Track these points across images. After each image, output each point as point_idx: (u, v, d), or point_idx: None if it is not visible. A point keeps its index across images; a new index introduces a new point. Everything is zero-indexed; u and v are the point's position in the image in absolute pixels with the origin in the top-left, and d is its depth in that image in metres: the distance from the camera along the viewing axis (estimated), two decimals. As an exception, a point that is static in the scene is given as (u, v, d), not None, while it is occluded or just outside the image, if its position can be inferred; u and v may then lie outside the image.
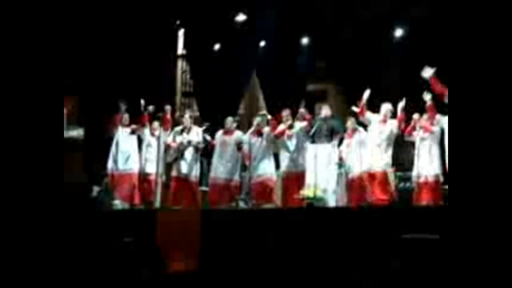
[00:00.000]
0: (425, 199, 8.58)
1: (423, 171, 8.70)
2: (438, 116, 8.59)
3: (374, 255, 6.53)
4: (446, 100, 8.08)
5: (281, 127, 9.41)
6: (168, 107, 10.03)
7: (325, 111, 9.19)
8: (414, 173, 8.84)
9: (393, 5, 10.64)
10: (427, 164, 8.67)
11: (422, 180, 8.71)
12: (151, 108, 9.89)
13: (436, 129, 8.66)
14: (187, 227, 7.46)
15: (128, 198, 9.74)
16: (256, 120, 9.76)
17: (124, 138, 10.00)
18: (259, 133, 9.61)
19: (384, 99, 9.14)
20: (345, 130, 9.26)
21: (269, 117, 9.78)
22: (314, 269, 6.64)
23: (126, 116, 10.03)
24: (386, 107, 8.96)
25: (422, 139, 8.79)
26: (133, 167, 9.93)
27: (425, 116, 8.73)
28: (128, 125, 10.04)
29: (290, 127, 9.42)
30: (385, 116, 8.89)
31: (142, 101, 9.90)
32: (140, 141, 10.10)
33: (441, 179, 8.63)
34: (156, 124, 9.89)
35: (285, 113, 9.50)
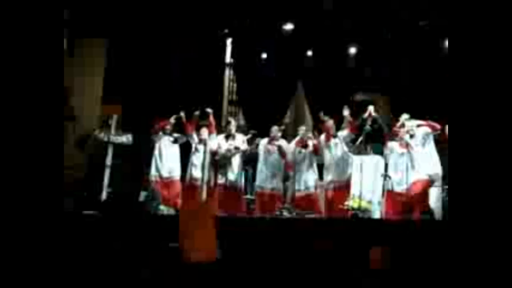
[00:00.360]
0: None
1: None
2: None
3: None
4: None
5: (310, 143, 9.55)
6: (209, 110, 10.11)
7: (370, 122, 9.15)
8: None
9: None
10: None
11: None
12: (196, 113, 10.00)
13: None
14: (205, 220, 7.47)
15: (173, 203, 9.84)
16: (301, 131, 9.80)
17: (166, 145, 10.11)
18: (303, 144, 9.64)
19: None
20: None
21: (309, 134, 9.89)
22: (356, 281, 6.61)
23: (172, 122, 10.15)
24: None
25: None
26: (175, 174, 10.03)
27: None
28: (171, 133, 10.16)
29: (334, 136, 9.43)
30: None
31: (182, 114, 10.02)
32: (187, 147, 10.18)
33: None
34: (204, 130, 9.98)
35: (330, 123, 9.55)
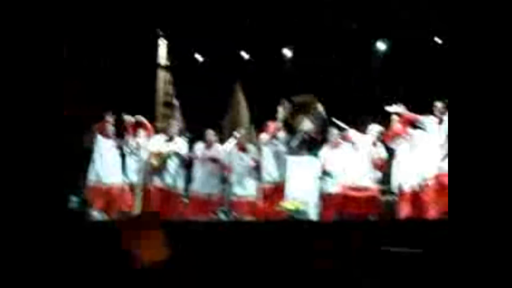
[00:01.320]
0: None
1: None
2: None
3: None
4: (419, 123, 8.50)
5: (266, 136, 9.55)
6: (139, 116, 9.93)
7: (307, 124, 9.20)
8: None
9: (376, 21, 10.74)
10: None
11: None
12: (132, 119, 9.79)
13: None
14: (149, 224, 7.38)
15: (106, 209, 9.59)
16: (239, 134, 9.76)
17: (107, 150, 9.81)
18: (242, 148, 9.62)
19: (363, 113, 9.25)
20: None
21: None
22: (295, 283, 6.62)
23: (110, 127, 9.86)
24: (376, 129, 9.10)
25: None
26: (115, 180, 9.72)
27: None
28: (110, 137, 9.88)
29: (274, 136, 9.45)
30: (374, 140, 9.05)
31: (125, 115, 9.79)
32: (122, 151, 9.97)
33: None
34: (142, 133, 9.81)
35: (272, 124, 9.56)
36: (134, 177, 9.66)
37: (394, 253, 6.35)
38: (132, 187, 9.65)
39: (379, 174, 9.04)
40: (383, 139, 8.97)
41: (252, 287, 6.68)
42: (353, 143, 9.01)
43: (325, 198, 9.03)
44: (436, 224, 7.46)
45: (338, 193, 8.88)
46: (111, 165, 9.68)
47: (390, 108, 8.62)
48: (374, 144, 8.97)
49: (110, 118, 9.77)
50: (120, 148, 9.86)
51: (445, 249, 6.34)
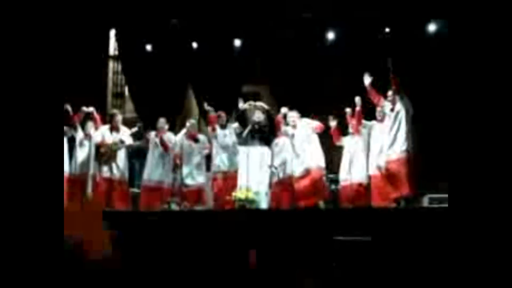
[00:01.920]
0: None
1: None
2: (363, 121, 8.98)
3: (308, 257, 6.63)
4: (380, 106, 8.59)
5: (200, 137, 9.75)
6: (91, 108, 9.86)
7: (257, 114, 9.27)
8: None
9: (333, 7, 10.81)
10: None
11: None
12: (85, 108, 9.70)
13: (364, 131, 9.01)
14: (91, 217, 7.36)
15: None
16: (188, 123, 9.80)
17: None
18: (193, 138, 9.66)
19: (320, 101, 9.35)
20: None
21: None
22: (242, 269, 6.70)
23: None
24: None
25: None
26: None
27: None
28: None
29: (223, 126, 9.53)
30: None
31: (68, 107, 9.65)
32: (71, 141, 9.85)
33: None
34: (90, 124, 9.72)
35: (222, 114, 9.61)
36: (84, 168, 9.58)
37: (345, 241, 6.48)
38: (82, 177, 9.56)
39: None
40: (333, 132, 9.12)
41: (205, 276, 6.74)
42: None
43: (277, 187, 9.15)
44: (384, 212, 7.64)
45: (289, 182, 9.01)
46: None
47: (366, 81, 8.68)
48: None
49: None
50: (69, 139, 9.77)
51: (393, 236, 6.56)
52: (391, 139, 8.34)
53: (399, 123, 8.32)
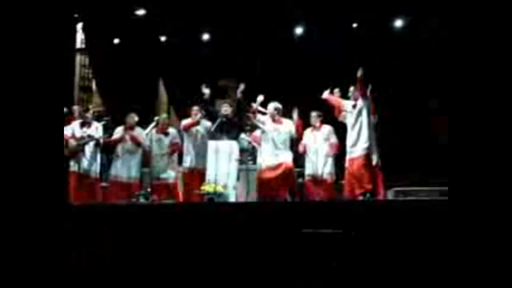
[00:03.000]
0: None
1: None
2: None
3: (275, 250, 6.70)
4: (338, 114, 8.66)
5: (189, 120, 9.57)
6: (76, 107, 9.86)
7: (225, 107, 9.30)
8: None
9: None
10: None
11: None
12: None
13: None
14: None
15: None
16: (160, 118, 9.82)
17: None
18: (164, 131, 9.67)
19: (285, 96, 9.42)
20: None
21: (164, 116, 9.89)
22: (212, 264, 6.74)
23: None
24: (273, 106, 9.17)
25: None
26: None
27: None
28: None
29: (198, 123, 9.53)
30: (273, 116, 9.09)
31: None
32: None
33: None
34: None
35: (195, 108, 9.61)
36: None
37: (315, 234, 6.56)
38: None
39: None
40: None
41: (173, 270, 6.77)
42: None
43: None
44: (352, 205, 7.74)
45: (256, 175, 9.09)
46: None
47: (324, 94, 8.73)
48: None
49: None
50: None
51: (362, 229, 6.66)
52: (353, 137, 8.43)
53: (361, 121, 8.38)
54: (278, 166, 8.83)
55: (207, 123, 9.52)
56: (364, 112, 8.34)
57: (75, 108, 10.10)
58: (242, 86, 9.15)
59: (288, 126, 9.05)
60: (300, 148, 9.25)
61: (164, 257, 6.92)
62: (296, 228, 6.65)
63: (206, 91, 9.30)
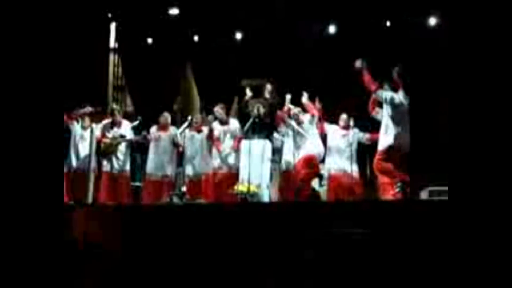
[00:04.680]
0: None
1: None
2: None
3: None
4: (373, 91, 8.37)
5: (205, 129, 9.73)
6: (115, 107, 9.95)
7: (259, 107, 9.26)
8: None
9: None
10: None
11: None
12: (83, 110, 9.73)
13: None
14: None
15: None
16: (195, 118, 9.85)
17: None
18: (198, 130, 9.68)
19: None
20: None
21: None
22: (247, 263, 6.72)
23: None
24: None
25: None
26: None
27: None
28: None
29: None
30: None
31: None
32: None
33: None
34: (87, 118, 9.75)
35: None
36: (84, 164, 9.61)
37: (346, 234, 6.51)
38: (84, 173, 9.59)
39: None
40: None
41: (208, 271, 6.77)
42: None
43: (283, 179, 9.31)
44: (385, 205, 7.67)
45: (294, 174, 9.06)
46: None
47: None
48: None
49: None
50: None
51: (394, 229, 6.60)
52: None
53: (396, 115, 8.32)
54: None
55: (236, 124, 9.50)
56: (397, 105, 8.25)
57: (116, 107, 10.13)
58: (271, 87, 9.17)
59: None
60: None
61: (198, 257, 6.92)
62: (329, 228, 6.63)
63: (249, 93, 9.30)
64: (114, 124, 9.73)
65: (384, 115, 8.29)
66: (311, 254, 6.46)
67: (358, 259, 6.33)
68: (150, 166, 9.69)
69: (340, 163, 9.26)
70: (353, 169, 9.06)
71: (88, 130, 9.68)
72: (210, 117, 9.80)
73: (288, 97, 9.36)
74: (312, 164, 8.99)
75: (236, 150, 9.41)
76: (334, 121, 9.43)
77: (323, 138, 9.36)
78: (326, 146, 9.33)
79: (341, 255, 6.41)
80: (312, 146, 9.06)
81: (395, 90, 8.25)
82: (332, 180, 9.28)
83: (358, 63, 8.27)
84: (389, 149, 8.11)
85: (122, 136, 9.57)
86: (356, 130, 9.26)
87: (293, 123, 9.14)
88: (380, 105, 8.49)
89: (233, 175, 9.23)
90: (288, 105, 9.34)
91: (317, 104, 9.27)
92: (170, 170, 9.69)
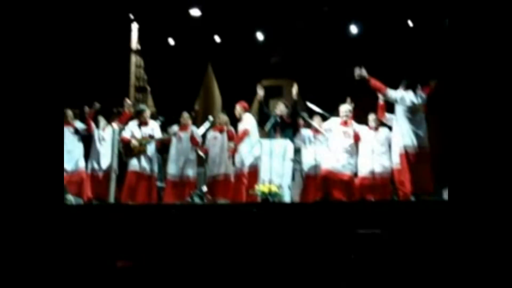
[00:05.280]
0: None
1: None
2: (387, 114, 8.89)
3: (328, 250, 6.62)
4: (383, 93, 8.47)
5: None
6: (129, 102, 9.98)
7: (281, 107, 9.23)
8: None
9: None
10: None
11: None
12: (97, 105, 9.76)
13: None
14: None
15: (80, 193, 9.57)
16: (217, 117, 9.84)
17: (69, 137, 9.71)
18: (220, 130, 9.67)
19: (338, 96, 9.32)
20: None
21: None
22: (267, 264, 6.69)
23: (70, 114, 9.88)
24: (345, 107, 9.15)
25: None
26: (80, 166, 9.75)
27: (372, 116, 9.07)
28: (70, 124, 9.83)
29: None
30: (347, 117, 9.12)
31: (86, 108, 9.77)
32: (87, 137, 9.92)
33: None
34: (102, 120, 9.80)
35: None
36: (106, 164, 9.65)
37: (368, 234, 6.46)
38: (105, 173, 9.65)
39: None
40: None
41: (228, 270, 6.75)
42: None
43: (306, 180, 9.26)
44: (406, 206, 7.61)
45: (321, 175, 9.01)
46: (73, 153, 9.71)
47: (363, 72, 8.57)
48: (346, 123, 9.11)
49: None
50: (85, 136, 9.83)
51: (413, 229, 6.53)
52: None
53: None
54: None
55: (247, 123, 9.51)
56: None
57: (143, 107, 10.15)
58: (296, 87, 9.13)
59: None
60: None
61: (219, 257, 6.91)
62: (352, 228, 6.58)
63: (261, 92, 9.26)
64: (142, 124, 9.71)
65: (398, 115, 8.34)
66: (352, 255, 6.40)
67: (382, 259, 6.27)
68: (171, 166, 9.70)
69: (371, 163, 9.12)
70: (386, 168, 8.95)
71: (107, 131, 9.73)
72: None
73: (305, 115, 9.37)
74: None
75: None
76: (363, 121, 9.31)
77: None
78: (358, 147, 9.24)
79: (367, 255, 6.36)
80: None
81: (412, 89, 8.26)
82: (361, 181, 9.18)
83: (358, 72, 8.28)
84: (410, 150, 8.09)
85: (151, 136, 9.56)
86: (386, 129, 9.14)
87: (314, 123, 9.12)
88: (388, 110, 8.66)
89: (254, 176, 9.18)
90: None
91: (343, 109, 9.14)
92: (191, 170, 9.66)
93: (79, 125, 9.84)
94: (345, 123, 9.10)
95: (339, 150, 8.99)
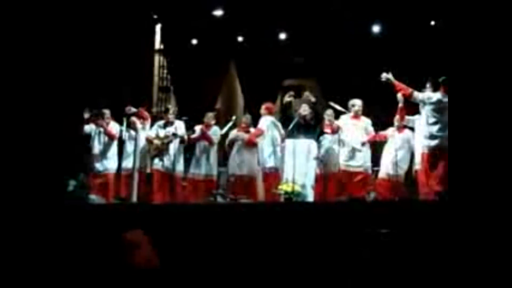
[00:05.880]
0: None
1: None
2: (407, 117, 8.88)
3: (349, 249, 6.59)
4: (408, 96, 8.37)
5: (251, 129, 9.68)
6: (170, 106, 10.07)
7: (304, 108, 9.21)
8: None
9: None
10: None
11: None
12: (133, 109, 9.85)
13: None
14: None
15: (105, 194, 9.64)
16: (241, 117, 9.86)
17: (98, 137, 9.85)
18: (245, 130, 9.68)
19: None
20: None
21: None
22: (292, 264, 6.68)
23: (107, 114, 9.94)
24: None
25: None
26: (109, 167, 9.83)
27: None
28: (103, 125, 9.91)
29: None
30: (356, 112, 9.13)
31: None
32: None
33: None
34: (134, 119, 9.86)
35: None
36: (129, 163, 9.72)
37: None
38: (128, 172, 9.72)
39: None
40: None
41: (251, 269, 6.75)
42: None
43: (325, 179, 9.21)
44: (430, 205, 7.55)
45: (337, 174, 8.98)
46: (103, 152, 9.77)
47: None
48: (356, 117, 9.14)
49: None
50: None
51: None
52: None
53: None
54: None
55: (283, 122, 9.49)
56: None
57: (170, 106, 10.23)
58: (315, 88, 9.15)
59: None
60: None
61: (242, 257, 6.91)
62: (372, 228, 6.55)
63: (288, 99, 9.29)
64: (167, 123, 9.76)
65: (424, 117, 8.26)
66: (367, 253, 6.37)
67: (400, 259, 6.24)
68: (193, 165, 9.74)
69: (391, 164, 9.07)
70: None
71: (131, 130, 9.80)
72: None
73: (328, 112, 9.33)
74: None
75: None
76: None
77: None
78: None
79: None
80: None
81: (435, 89, 8.21)
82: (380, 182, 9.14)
83: (385, 75, 8.23)
84: (435, 150, 8.03)
85: (174, 134, 9.59)
86: (408, 130, 9.08)
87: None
88: (408, 113, 8.73)
89: (277, 175, 9.17)
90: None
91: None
92: (212, 170, 9.70)
93: (115, 126, 9.90)
94: (355, 117, 9.12)
95: (351, 144, 9.04)
